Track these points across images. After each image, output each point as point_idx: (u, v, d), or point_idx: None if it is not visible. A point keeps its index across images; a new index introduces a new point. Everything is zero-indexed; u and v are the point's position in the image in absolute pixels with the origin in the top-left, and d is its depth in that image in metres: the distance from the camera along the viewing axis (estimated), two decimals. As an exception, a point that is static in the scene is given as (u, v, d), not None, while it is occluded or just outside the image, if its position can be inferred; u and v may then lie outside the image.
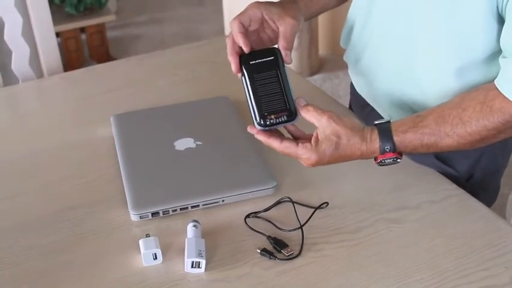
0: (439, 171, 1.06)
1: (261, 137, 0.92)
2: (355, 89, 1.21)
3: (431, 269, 0.86)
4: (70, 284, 0.86)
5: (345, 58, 1.20)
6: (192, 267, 0.86)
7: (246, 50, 0.93)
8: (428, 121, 0.90)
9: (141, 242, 0.89)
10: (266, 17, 0.97)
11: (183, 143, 1.09)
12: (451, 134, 0.89)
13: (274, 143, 0.91)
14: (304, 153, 0.90)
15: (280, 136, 0.92)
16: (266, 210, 0.97)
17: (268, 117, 0.90)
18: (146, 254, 0.88)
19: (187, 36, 3.54)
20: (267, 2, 0.99)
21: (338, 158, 0.91)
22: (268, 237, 0.91)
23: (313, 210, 0.96)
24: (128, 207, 0.96)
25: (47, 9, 1.48)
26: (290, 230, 0.93)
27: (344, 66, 1.29)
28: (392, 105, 1.08)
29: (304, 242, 0.91)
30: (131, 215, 0.96)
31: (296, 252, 0.89)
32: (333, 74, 3.07)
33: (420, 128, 0.90)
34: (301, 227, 0.93)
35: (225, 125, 1.16)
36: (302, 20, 1.00)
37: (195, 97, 1.26)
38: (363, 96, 1.17)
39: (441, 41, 0.96)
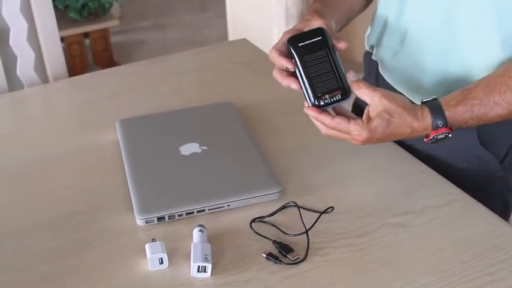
0: (477, 158, 1.07)
1: (312, 112, 0.92)
2: (388, 87, 1.14)
3: (437, 273, 0.86)
4: (76, 289, 0.86)
5: (374, 57, 1.18)
6: (198, 271, 0.86)
7: (291, 68, 0.94)
8: (476, 92, 0.92)
9: (147, 246, 0.89)
10: None
11: (189, 148, 1.09)
12: (500, 102, 0.91)
13: (325, 119, 0.92)
14: (355, 129, 0.91)
15: (331, 114, 0.92)
16: (271, 214, 0.97)
17: (323, 97, 0.91)
18: (152, 258, 0.88)
19: (191, 41, 3.55)
20: (293, 27, 1.00)
21: (389, 135, 0.92)
22: (274, 241, 0.91)
23: (318, 214, 0.96)
24: (133, 212, 0.97)
25: (52, 14, 1.49)
26: (295, 235, 0.93)
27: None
28: (438, 89, 1.06)
29: (310, 246, 0.91)
30: (137, 220, 0.96)
31: (302, 257, 0.89)
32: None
33: (469, 100, 0.91)
34: (306, 231, 0.93)
35: (230, 130, 1.16)
36: (333, 22, 1.01)
37: (200, 102, 1.27)
38: (401, 91, 1.12)
39: (483, 13, 0.96)
